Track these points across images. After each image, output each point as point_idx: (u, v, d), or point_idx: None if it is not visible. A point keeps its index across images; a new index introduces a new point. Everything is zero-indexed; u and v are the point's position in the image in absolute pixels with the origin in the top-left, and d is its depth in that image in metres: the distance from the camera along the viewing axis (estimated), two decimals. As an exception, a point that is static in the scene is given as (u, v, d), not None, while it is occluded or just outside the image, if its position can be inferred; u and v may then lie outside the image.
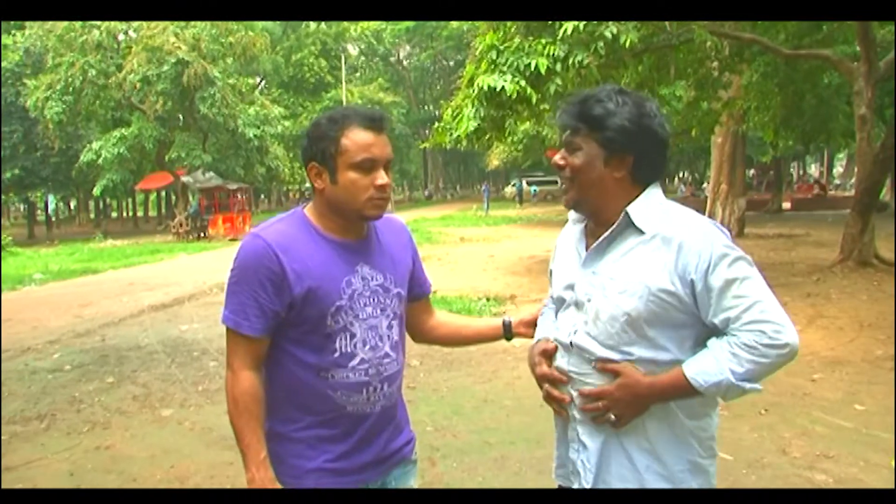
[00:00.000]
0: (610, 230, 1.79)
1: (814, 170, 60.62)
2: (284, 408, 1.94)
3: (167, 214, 42.55)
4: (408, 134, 54.88)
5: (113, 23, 29.53)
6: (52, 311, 11.03)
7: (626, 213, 1.77)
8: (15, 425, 5.61)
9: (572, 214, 1.96)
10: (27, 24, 32.24)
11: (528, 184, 48.06)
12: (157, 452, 4.87)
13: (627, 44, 9.23)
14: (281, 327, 1.90)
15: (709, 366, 1.68)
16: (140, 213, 54.30)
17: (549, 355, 1.91)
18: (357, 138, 1.85)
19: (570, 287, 1.88)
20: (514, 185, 48.44)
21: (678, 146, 30.45)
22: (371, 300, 1.95)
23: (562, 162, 1.84)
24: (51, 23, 29.38)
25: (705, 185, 37.12)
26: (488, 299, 10.61)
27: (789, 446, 4.56)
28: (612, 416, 1.76)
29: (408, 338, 2.17)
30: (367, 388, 1.93)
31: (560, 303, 1.94)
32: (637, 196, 1.80)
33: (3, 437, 5.30)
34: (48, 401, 6.19)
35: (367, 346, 1.93)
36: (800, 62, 14.56)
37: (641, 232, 1.76)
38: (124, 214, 54.73)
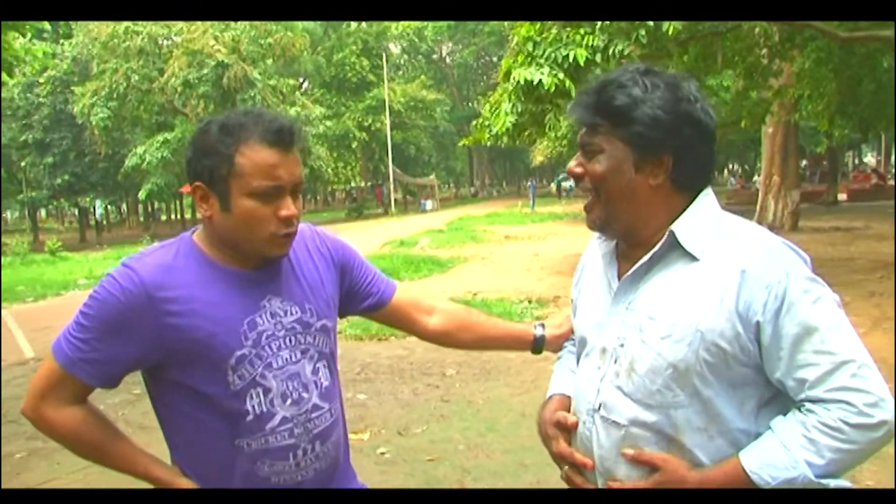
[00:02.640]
0: (650, 254, 1.37)
1: (870, 159, 58.61)
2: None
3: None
4: (452, 131, 54.52)
5: (154, 28, 29.87)
6: (89, 318, 10.96)
7: (672, 232, 1.35)
8: (36, 441, 5.43)
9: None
10: (74, 32, 32.85)
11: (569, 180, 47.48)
12: (173, 474, 4.61)
13: (671, 32, 8.76)
14: (175, 387, 1.53)
15: (776, 457, 1.25)
16: (188, 216, 54.99)
17: (566, 428, 1.50)
18: (258, 158, 1.44)
19: (598, 327, 1.47)
20: (555, 182, 47.86)
21: (727, 138, 29.63)
22: (287, 341, 1.56)
23: (578, 170, 1.43)
24: (96, 30, 29.85)
25: (756, 177, 36.16)
26: (530, 301, 10.22)
27: (860, 473, 4.09)
28: None
29: (350, 374, 1.78)
30: (295, 453, 1.56)
31: (583, 345, 1.52)
32: (684, 207, 1.38)
33: (22, 455, 5.16)
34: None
35: (289, 401, 1.55)
36: (856, 46, 13.84)
37: (691, 256, 1.34)
38: (173, 217, 55.49)
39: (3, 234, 42.66)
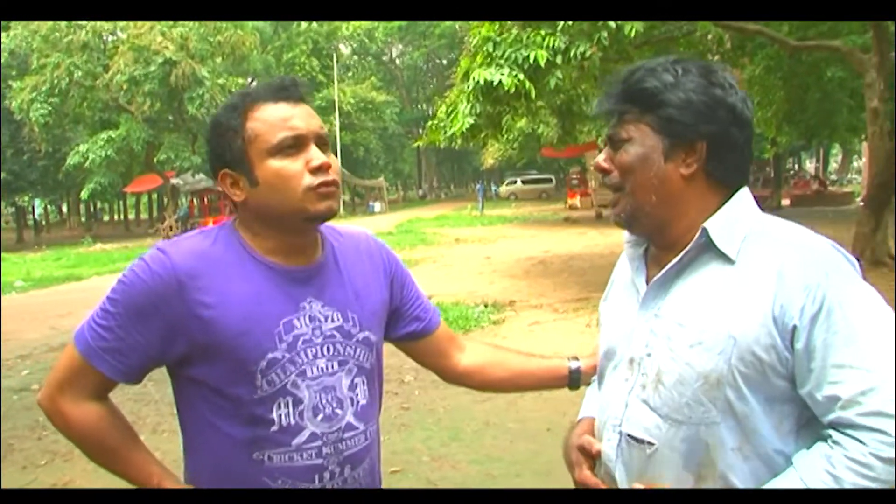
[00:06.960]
0: (681, 255, 1.25)
1: (809, 166, 60.25)
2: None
3: (158, 217, 42.07)
4: (401, 133, 54.28)
5: (99, 22, 28.93)
6: (28, 323, 10.49)
7: (705, 230, 1.22)
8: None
9: (626, 235, 1.40)
10: (12, 24, 31.67)
11: (520, 182, 48.04)
12: (119, 491, 4.35)
13: (632, 34, 8.76)
14: (197, 386, 1.39)
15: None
16: (132, 216, 53.69)
17: (590, 454, 1.37)
18: (267, 115, 1.36)
19: (625, 336, 1.33)
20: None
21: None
22: (324, 350, 1.42)
23: (606, 164, 1.31)
24: (36, 23, 28.79)
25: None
26: (486, 305, 10.06)
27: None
28: None
29: (389, 389, 1.64)
30: (321, 475, 1.40)
31: (609, 357, 1.39)
32: (719, 205, 1.26)
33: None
34: (8, 426, 5.66)
35: (320, 416, 1.40)
36: (803, 55, 14.15)
37: (725, 258, 1.22)
38: (115, 217, 54.14)
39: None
